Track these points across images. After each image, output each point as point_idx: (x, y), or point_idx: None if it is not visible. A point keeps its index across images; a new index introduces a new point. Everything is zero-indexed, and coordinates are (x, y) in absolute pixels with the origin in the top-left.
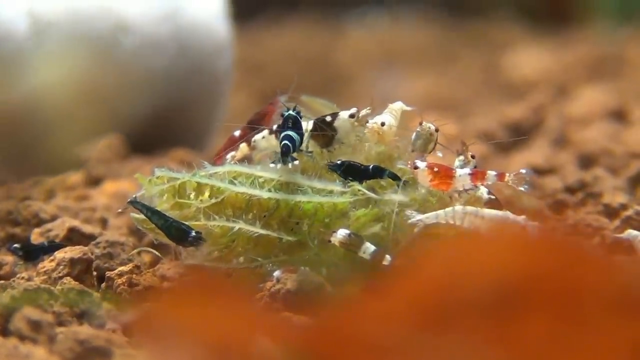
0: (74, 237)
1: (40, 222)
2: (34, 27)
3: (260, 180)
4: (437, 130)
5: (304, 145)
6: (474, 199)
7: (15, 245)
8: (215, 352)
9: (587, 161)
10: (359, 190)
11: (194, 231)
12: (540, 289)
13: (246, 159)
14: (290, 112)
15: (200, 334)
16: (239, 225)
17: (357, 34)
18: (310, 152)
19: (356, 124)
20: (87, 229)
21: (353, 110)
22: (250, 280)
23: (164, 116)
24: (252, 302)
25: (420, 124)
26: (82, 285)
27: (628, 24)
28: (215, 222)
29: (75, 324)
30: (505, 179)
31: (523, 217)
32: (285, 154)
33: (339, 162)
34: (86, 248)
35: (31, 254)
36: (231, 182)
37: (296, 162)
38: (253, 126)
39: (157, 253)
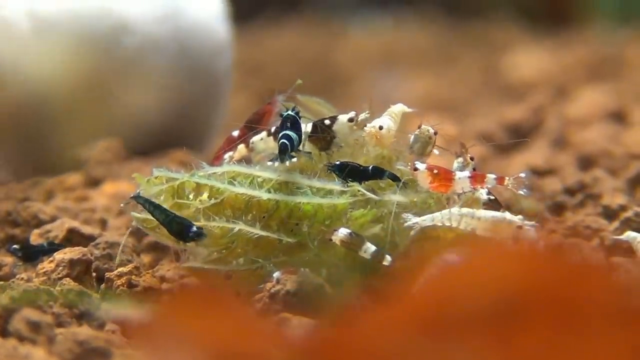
0: (73, 238)
1: (39, 223)
2: (34, 28)
3: (259, 180)
4: (435, 134)
5: (302, 146)
6: (472, 199)
7: (15, 246)
8: (214, 355)
9: (586, 162)
10: (358, 190)
11: (195, 226)
12: (540, 299)
13: (244, 160)
14: (289, 112)
15: (199, 337)
16: (239, 226)
17: (356, 34)
18: (309, 152)
19: (355, 127)
20: (87, 230)
21: (352, 113)
22: (250, 281)
23: (163, 117)
24: (252, 304)
25: (419, 127)
26: (82, 286)
27: (627, 25)
28: (214, 223)
29: (74, 324)
30: (505, 183)
31: (520, 217)
32: (283, 152)
33: (337, 163)
34: (85, 249)
35: (30, 255)
36: (230, 183)
37: (294, 160)
38: (251, 126)
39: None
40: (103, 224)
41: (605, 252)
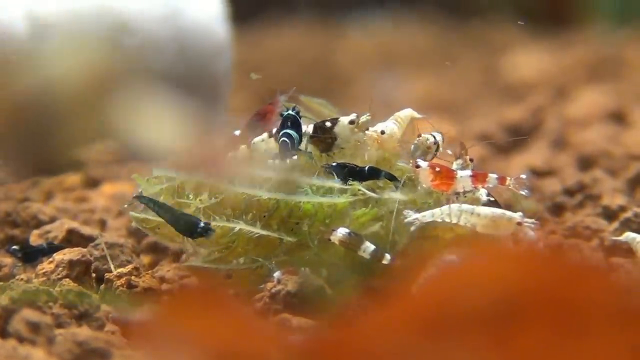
0: (73, 238)
1: (39, 224)
2: (33, 28)
3: (259, 179)
4: (443, 140)
5: (302, 147)
6: (471, 199)
7: (14, 246)
8: (214, 356)
9: (586, 163)
10: (358, 190)
11: (202, 222)
12: (540, 300)
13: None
14: (290, 112)
15: (199, 337)
16: (239, 225)
17: (356, 35)
18: (310, 152)
19: (356, 130)
20: (86, 230)
21: (353, 116)
22: (250, 280)
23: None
24: (252, 304)
25: (419, 135)
26: (81, 286)
27: (627, 25)
28: (215, 222)
29: (74, 325)
30: (507, 183)
31: (519, 213)
32: (283, 150)
33: (334, 164)
34: (85, 250)
35: (30, 255)
36: (230, 182)
37: (294, 158)
38: (252, 125)
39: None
40: (102, 224)
41: (604, 252)
